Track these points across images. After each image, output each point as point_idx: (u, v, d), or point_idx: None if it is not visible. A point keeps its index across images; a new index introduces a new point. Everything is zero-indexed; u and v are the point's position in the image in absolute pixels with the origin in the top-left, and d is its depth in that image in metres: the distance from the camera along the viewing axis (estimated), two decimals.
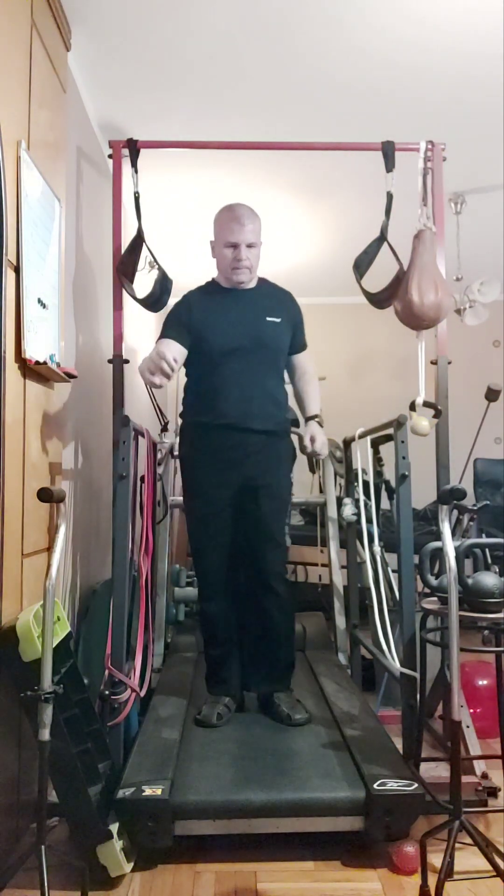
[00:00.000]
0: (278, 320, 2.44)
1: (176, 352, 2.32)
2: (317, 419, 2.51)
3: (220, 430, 2.37)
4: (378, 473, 3.03)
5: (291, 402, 2.60)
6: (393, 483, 2.49)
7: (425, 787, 1.92)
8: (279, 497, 2.48)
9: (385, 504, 3.16)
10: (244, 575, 2.46)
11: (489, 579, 2.02)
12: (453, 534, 2.11)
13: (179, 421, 2.54)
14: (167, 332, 2.43)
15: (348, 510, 3.00)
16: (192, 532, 2.50)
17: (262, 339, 2.40)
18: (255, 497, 2.39)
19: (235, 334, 2.39)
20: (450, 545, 1.83)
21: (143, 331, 4.43)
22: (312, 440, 2.42)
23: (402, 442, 2.33)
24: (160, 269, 2.69)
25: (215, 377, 2.38)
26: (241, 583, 2.47)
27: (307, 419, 2.53)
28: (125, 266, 2.63)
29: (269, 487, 2.41)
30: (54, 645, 1.72)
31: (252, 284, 2.49)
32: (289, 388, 2.58)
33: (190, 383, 2.49)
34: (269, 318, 2.42)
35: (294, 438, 2.67)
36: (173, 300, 2.58)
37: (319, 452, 2.42)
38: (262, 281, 2.54)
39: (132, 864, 1.85)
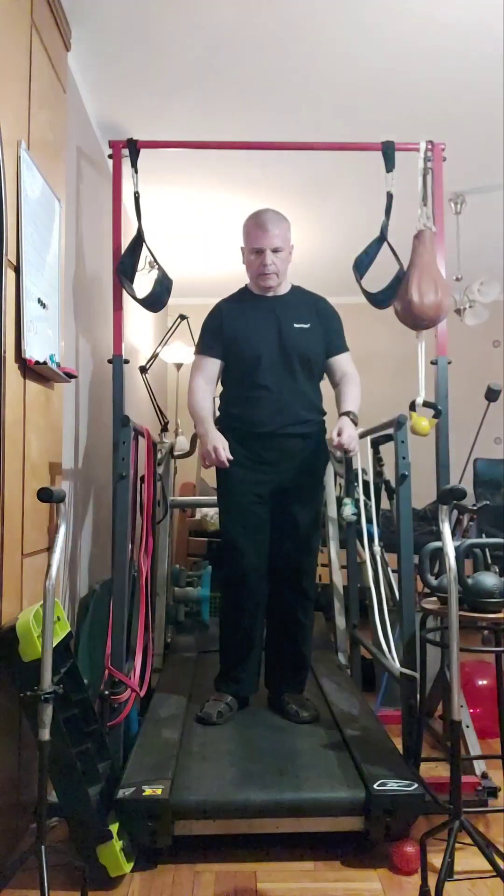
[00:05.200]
0: (307, 326, 2.44)
1: (214, 372, 2.48)
2: (350, 416, 2.38)
3: (255, 437, 2.41)
4: (378, 473, 3.03)
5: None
6: (393, 483, 2.48)
7: (425, 787, 1.92)
8: (312, 502, 2.49)
9: (385, 504, 3.15)
10: (273, 576, 2.46)
11: (489, 579, 2.02)
12: (453, 534, 2.11)
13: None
14: (203, 348, 2.49)
15: (348, 510, 2.99)
16: (223, 528, 2.49)
17: (290, 346, 2.41)
18: (289, 501, 2.42)
19: (264, 342, 2.41)
20: (450, 545, 1.83)
21: (143, 331, 4.43)
22: (340, 432, 2.29)
23: (402, 442, 2.33)
24: (160, 268, 2.70)
25: (248, 386, 2.42)
26: (269, 584, 2.47)
27: (340, 415, 2.41)
28: (125, 266, 2.63)
29: (303, 492, 2.43)
30: (54, 645, 1.71)
31: (283, 290, 2.50)
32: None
33: (225, 392, 2.52)
34: (297, 325, 2.43)
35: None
36: (174, 301, 2.58)
37: (346, 445, 2.29)
38: (295, 288, 2.55)
39: (132, 864, 1.85)
